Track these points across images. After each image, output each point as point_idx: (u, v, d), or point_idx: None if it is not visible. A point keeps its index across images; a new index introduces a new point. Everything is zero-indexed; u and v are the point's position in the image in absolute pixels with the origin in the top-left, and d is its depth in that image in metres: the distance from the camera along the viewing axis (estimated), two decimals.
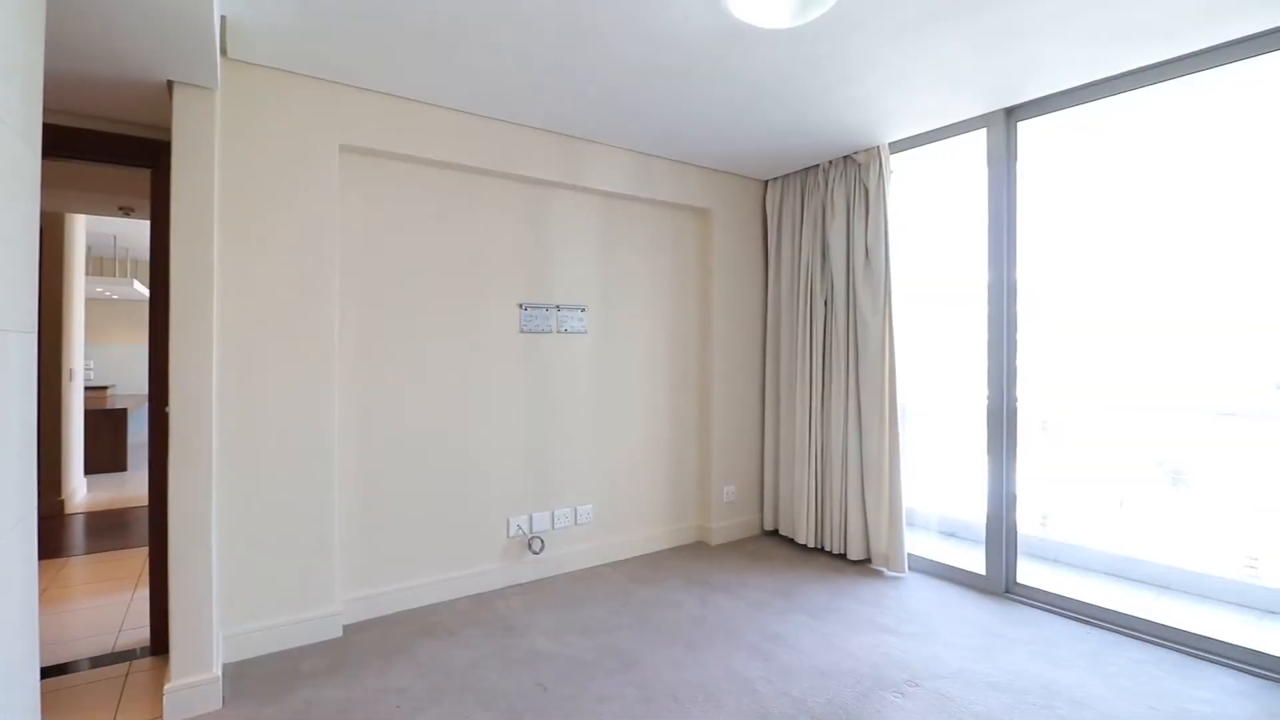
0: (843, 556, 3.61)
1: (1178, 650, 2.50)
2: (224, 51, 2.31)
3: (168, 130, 2.13)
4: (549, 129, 3.18)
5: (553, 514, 3.35)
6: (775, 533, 4.06)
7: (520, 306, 3.24)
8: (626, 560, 3.57)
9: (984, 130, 3.07)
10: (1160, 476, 3.46)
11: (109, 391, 7.56)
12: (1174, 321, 3.23)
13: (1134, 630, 2.65)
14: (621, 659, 2.46)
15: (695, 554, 3.69)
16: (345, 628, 2.68)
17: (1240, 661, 2.37)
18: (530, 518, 3.27)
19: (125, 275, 7.88)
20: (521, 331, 3.25)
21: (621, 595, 3.08)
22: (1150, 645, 2.55)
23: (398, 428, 2.89)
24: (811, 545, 3.71)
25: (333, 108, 2.62)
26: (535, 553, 3.25)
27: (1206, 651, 2.46)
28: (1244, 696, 2.17)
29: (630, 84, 2.67)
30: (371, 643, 2.57)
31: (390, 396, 2.87)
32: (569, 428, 3.42)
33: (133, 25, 1.76)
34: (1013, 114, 2.97)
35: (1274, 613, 2.81)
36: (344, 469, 2.74)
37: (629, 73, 2.56)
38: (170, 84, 2.09)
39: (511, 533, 3.20)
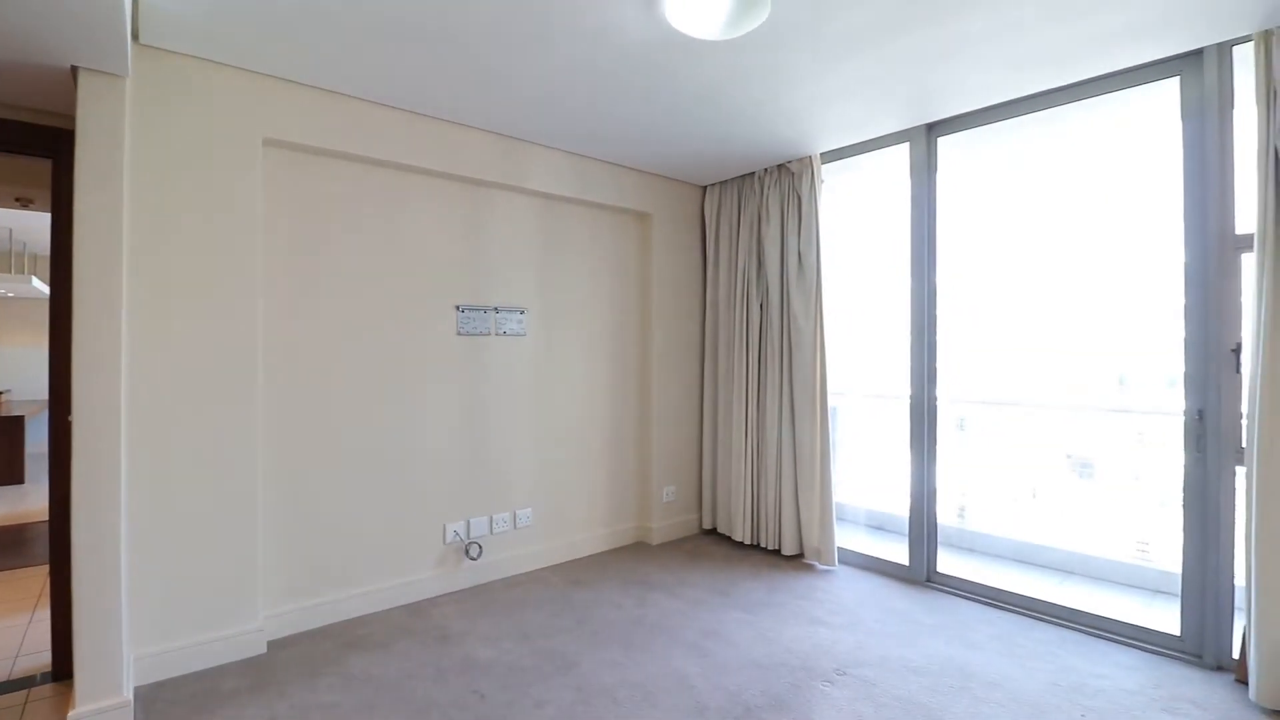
0: (777, 552, 3.72)
1: (1080, 630, 2.70)
2: (135, 36, 2.18)
3: (72, 118, 1.99)
4: (488, 129, 3.14)
5: (491, 519, 3.31)
6: (714, 531, 4.14)
7: (458, 308, 3.19)
8: (567, 563, 3.57)
9: (907, 144, 3.24)
10: (1069, 468, 3.73)
11: (3, 397, 6.98)
12: (1080, 324, 3.49)
13: (1041, 613, 2.85)
14: (560, 662, 2.46)
15: (636, 554, 3.72)
16: (270, 644, 2.57)
17: (1133, 639, 2.59)
18: (468, 523, 3.22)
19: (22, 271, 7.25)
20: (459, 334, 3.19)
21: (561, 598, 3.07)
22: (1056, 626, 2.75)
23: (327, 433, 2.79)
24: (748, 542, 3.81)
25: (257, 100, 2.51)
26: (473, 559, 3.20)
27: (1105, 630, 2.67)
28: (1135, 670, 2.38)
29: (569, 88, 2.67)
30: (298, 658, 2.48)
31: (318, 400, 2.77)
32: (508, 431, 3.39)
33: (29, 4, 1.64)
34: (933, 129, 3.14)
35: (1161, 592, 3.08)
36: (268, 477, 2.62)
37: (567, 77, 2.56)
38: (75, 70, 1.96)
39: (448, 539, 3.14)
